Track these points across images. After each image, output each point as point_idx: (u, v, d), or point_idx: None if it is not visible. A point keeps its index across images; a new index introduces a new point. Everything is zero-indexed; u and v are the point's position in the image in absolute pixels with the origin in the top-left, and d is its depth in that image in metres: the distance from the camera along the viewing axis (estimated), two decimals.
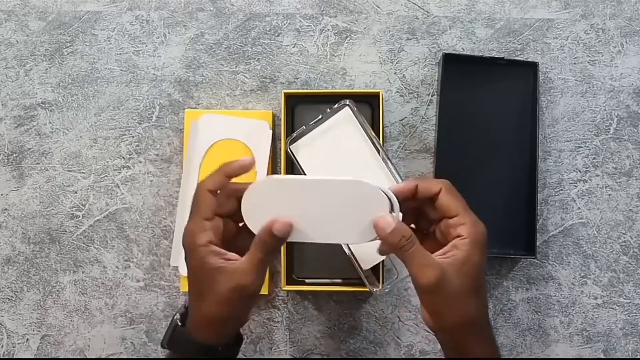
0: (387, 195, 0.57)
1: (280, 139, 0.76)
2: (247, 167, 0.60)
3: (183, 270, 0.76)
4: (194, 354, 0.59)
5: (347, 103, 0.70)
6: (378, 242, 0.58)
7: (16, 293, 0.80)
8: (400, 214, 0.58)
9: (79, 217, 0.80)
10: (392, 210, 0.57)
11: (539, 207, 0.77)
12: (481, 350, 0.57)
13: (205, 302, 0.58)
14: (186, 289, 0.77)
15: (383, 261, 0.72)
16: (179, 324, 0.60)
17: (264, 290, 0.77)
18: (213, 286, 0.57)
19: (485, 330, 0.58)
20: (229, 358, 0.62)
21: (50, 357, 0.80)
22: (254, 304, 0.60)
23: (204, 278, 0.58)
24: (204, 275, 0.58)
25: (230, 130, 0.77)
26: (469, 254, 0.55)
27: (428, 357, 0.78)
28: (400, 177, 0.69)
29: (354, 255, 0.69)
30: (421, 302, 0.58)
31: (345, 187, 0.57)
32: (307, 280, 0.77)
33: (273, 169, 0.78)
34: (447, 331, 0.57)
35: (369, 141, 0.70)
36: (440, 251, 0.57)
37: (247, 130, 0.77)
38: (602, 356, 0.78)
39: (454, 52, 0.79)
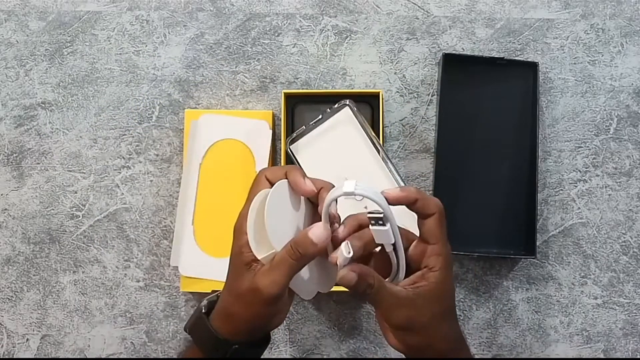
0: (378, 203, 0.52)
1: (280, 139, 0.76)
2: (305, 193, 0.55)
3: (183, 270, 0.76)
4: (209, 344, 0.56)
5: (347, 103, 0.70)
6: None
7: (16, 293, 0.80)
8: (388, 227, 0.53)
9: (79, 217, 0.80)
10: (381, 221, 0.52)
11: (539, 207, 0.77)
12: None
13: (228, 293, 0.55)
14: (187, 289, 0.78)
15: None
16: (204, 311, 0.57)
17: None
18: (238, 280, 0.54)
19: (459, 345, 0.58)
20: (247, 358, 0.58)
21: (50, 357, 0.80)
22: (274, 310, 0.55)
23: (234, 268, 0.55)
24: (236, 265, 0.55)
25: (230, 130, 0.77)
26: (440, 284, 0.54)
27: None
28: (400, 177, 0.69)
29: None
30: (389, 334, 0.56)
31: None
32: None
33: None
34: (419, 354, 0.56)
35: (369, 141, 0.70)
36: (408, 280, 0.55)
37: (247, 130, 0.77)
38: (602, 356, 0.78)
39: (454, 52, 0.79)
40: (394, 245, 0.53)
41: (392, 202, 0.54)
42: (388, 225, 0.51)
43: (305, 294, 0.56)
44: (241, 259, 0.54)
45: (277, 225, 0.52)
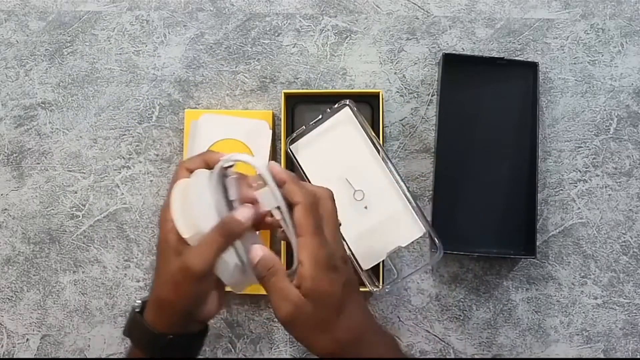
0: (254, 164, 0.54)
1: (280, 139, 0.76)
2: (215, 160, 0.58)
3: None
4: (146, 341, 0.57)
5: (347, 103, 0.70)
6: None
7: (16, 293, 0.80)
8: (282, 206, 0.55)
9: (79, 217, 0.80)
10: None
11: (539, 207, 0.77)
12: (378, 352, 0.56)
13: (158, 282, 0.56)
14: None
15: (383, 261, 0.72)
16: (137, 310, 0.58)
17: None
18: (167, 265, 0.55)
19: (370, 339, 0.56)
20: (187, 351, 0.58)
21: (50, 357, 0.80)
22: (202, 289, 0.56)
23: (162, 256, 0.56)
24: (162, 253, 0.56)
25: (230, 130, 0.77)
26: (313, 283, 0.53)
27: (428, 357, 0.78)
28: (400, 177, 0.69)
29: (354, 255, 0.69)
30: (293, 336, 0.56)
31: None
32: None
33: None
34: (329, 356, 0.56)
35: (369, 141, 0.70)
36: (295, 281, 0.54)
37: (247, 130, 0.77)
38: (602, 356, 0.78)
39: (454, 52, 0.79)
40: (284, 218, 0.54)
41: (273, 174, 0.55)
42: (267, 188, 0.54)
43: (234, 286, 0.56)
44: (168, 245, 0.55)
45: (201, 209, 0.53)
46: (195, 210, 0.54)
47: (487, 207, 0.77)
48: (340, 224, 0.56)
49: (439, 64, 0.78)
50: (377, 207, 0.65)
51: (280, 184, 0.55)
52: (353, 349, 0.55)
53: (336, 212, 0.56)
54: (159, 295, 0.56)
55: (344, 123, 0.70)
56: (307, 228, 0.53)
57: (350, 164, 0.69)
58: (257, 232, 0.58)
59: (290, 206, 0.54)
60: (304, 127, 0.70)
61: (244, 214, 0.55)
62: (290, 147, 0.70)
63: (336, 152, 0.70)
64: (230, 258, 0.54)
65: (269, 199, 0.54)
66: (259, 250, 0.55)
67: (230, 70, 0.80)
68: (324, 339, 0.54)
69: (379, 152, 0.70)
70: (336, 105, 0.70)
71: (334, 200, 0.56)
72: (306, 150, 0.70)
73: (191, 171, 0.57)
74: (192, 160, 0.58)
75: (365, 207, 0.67)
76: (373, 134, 0.71)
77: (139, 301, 0.59)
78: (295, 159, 0.70)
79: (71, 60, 0.81)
